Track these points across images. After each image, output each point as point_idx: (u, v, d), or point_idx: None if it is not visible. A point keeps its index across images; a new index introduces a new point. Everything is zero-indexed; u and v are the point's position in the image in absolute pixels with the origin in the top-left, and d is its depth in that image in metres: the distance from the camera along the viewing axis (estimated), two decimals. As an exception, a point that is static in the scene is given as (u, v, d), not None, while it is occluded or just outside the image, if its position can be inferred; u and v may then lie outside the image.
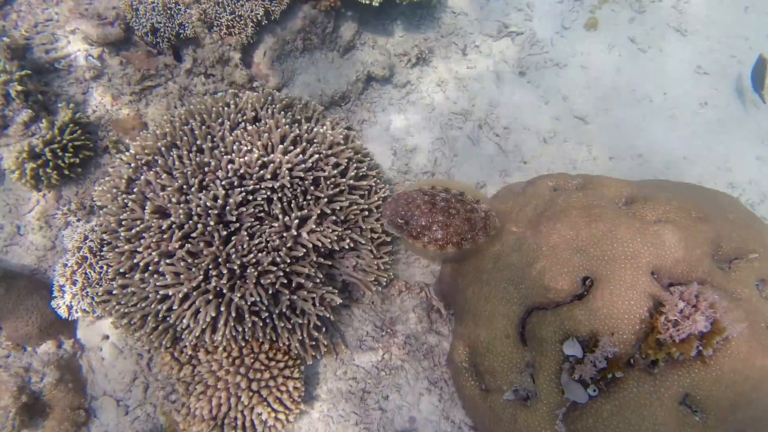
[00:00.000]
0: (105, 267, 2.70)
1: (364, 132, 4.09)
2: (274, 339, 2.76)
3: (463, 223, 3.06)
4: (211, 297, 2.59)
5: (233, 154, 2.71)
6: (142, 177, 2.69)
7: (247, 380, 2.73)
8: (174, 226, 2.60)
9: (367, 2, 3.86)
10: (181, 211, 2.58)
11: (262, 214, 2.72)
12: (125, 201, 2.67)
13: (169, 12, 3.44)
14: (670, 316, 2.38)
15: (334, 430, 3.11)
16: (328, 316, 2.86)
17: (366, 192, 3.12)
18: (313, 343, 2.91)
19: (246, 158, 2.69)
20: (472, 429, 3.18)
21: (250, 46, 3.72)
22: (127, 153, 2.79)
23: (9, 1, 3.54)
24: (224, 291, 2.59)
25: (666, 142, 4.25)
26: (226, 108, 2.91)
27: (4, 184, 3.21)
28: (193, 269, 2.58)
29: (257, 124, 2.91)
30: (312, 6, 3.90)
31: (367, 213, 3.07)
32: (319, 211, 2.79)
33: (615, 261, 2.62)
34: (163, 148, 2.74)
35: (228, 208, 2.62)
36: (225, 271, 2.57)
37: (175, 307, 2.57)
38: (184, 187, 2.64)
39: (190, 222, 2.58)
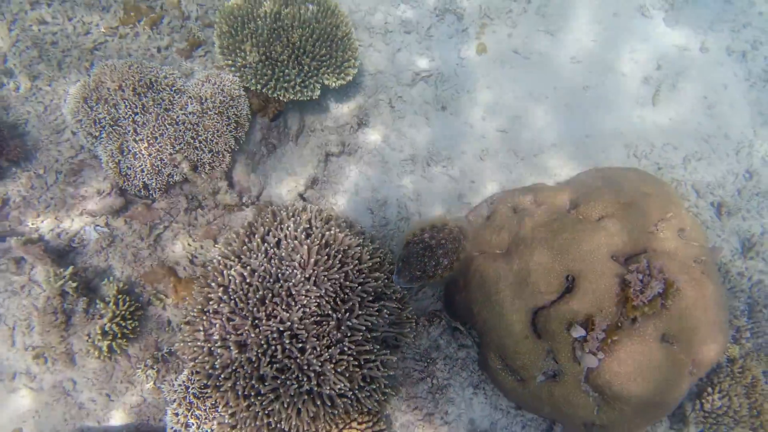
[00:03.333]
0: (210, 404, 3.19)
1: (338, 202, 4.68)
2: (360, 409, 3.39)
3: (453, 243, 3.86)
4: (305, 397, 3.18)
5: (282, 281, 3.27)
6: (217, 325, 3.19)
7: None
8: (259, 353, 3.14)
9: (307, 99, 4.41)
10: (261, 340, 3.12)
11: (318, 317, 3.31)
12: (211, 348, 3.16)
13: (157, 169, 3.85)
14: (635, 287, 3.27)
15: (419, 453, 3.81)
16: (392, 373, 3.52)
17: (378, 263, 3.76)
18: (384, 397, 3.56)
19: (293, 282, 3.26)
20: (517, 409, 3.99)
21: (229, 170, 4.20)
22: (195, 309, 3.26)
23: (5, 202, 3.77)
24: (314, 389, 3.18)
25: (569, 127, 5.17)
26: (254, 242, 3.43)
27: (77, 364, 3.54)
28: (287, 381, 3.14)
29: (280, 245, 3.46)
30: (263, 115, 4.42)
31: (386, 280, 3.72)
32: (358, 299, 3.41)
33: (584, 257, 3.47)
34: (223, 296, 3.23)
35: (296, 325, 3.19)
36: (312, 374, 3.16)
37: (283, 415, 3.13)
38: (255, 320, 3.17)
39: (271, 348, 3.13)
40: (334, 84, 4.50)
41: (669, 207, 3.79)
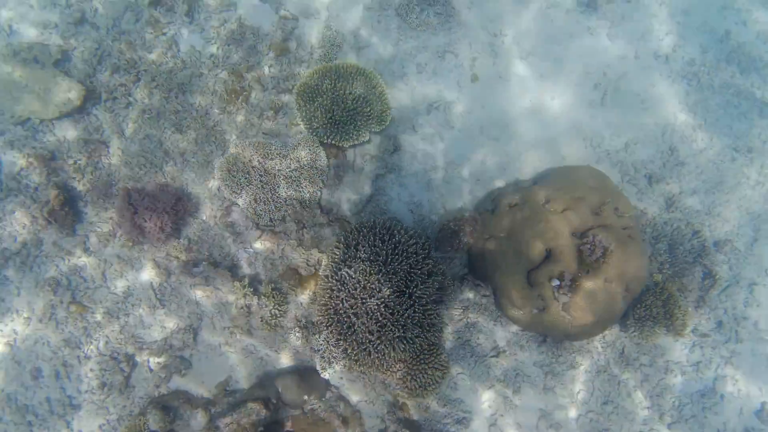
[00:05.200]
0: (342, 349, 5.29)
1: (389, 208, 6.60)
2: (427, 342, 5.49)
3: (470, 227, 5.90)
4: (397, 340, 5.27)
5: (374, 274, 5.28)
6: (340, 304, 5.23)
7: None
8: (367, 318, 5.20)
9: (361, 142, 6.24)
10: (368, 311, 5.18)
11: (398, 293, 5.35)
12: (339, 318, 5.23)
13: (278, 208, 5.78)
14: (586, 253, 5.29)
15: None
16: (444, 320, 5.60)
17: (427, 252, 5.75)
18: (441, 334, 5.64)
19: (380, 274, 5.28)
20: (522, 331, 6.10)
21: (319, 199, 6.13)
22: (325, 296, 5.30)
23: (190, 241, 5.73)
24: (401, 334, 5.27)
25: (542, 130, 6.99)
26: (350, 251, 5.41)
27: (253, 335, 5.63)
28: (386, 332, 5.22)
29: (366, 251, 5.45)
30: (334, 157, 6.29)
31: (433, 263, 5.72)
32: (419, 278, 5.44)
33: (555, 237, 5.45)
34: (341, 287, 5.27)
35: (386, 300, 5.24)
36: (399, 327, 5.24)
37: (386, 351, 5.24)
38: (362, 299, 5.22)
39: (374, 314, 5.20)
40: (377, 129, 6.34)
41: (607, 195, 5.74)
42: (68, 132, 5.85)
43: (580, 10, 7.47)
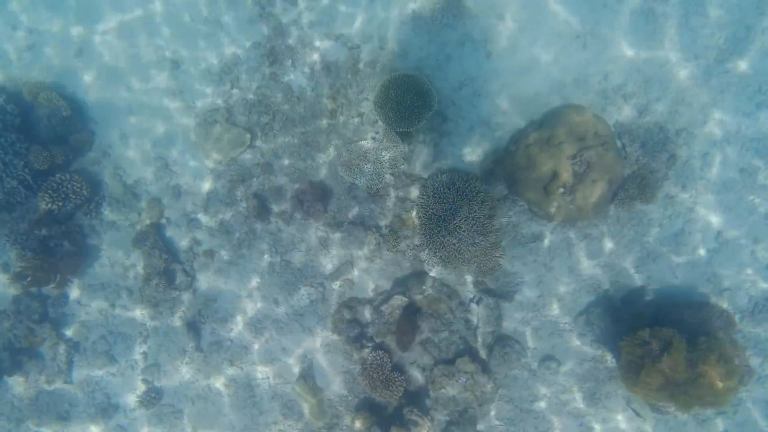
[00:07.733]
0: (435, 254, 8.65)
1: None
2: (493, 243, 8.74)
3: (500, 162, 8.90)
4: (475, 246, 8.55)
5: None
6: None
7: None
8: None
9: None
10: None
11: (472, 219, 8.56)
12: (434, 238, 8.54)
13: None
14: (576, 167, 8.21)
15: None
16: (498, 226, 8.81)
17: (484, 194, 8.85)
18: (498, 230, 8.87)
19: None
20: (549, 222, 9.17)
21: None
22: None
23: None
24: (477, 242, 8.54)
25: (541, 78, 9.60)
26: (432, 197, 8.60)
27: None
28: (463, 238, 8.51)
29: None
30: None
31: (483, 194, 8.84)
32: (477, 205, 8.60)
33: (557, 162, 8.36)
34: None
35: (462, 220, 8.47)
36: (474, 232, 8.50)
37: (464, 251, 8.55)
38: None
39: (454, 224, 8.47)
40: (430, 113, 9.27)
41: (589, 126, 8.49)
42: (247, 160, 9.28)
43: None
